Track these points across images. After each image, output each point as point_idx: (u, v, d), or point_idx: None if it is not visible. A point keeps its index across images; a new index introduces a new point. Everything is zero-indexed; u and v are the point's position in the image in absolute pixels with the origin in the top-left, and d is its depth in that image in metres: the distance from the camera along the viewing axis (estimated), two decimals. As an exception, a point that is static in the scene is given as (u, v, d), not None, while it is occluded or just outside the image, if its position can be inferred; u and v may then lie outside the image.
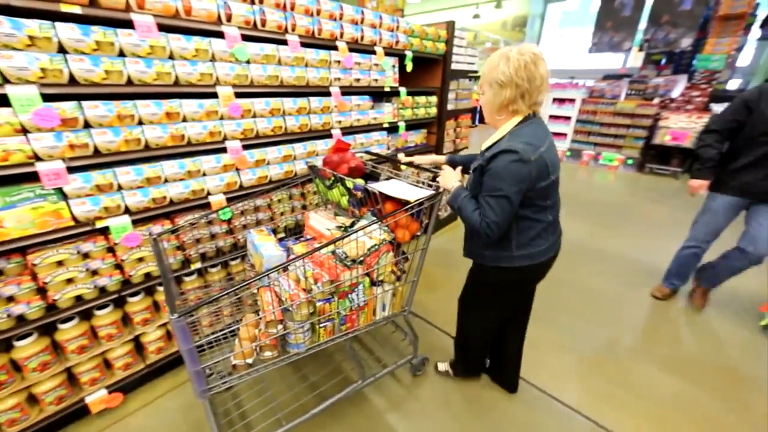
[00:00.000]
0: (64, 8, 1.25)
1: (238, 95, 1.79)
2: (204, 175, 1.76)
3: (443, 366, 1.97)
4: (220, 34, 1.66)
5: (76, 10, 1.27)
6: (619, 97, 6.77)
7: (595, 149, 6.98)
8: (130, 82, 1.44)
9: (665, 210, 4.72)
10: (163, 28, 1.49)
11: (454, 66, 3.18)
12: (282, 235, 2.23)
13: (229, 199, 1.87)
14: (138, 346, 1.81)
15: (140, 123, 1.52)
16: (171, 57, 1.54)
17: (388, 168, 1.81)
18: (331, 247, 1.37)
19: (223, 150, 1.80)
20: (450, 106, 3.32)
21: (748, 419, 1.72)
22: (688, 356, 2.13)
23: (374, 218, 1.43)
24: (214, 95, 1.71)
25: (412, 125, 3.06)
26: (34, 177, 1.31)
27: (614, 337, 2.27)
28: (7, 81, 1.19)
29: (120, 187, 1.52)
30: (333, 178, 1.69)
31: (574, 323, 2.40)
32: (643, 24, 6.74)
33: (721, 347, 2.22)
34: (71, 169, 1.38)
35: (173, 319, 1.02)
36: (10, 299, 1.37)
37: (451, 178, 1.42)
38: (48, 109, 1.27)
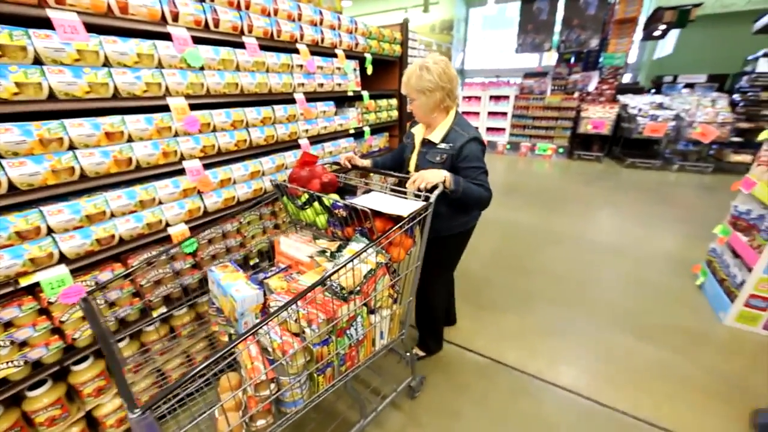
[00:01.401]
0: (-53, 1, 0.93)
1: (194, 107, 1.54)
2: (160, 203, 1.48)
3: (413, 352, 1.95)
4: (166, 36, 1.40)
5: (-35, 4, 0.95)
6: (546, 92, 7.46)
7: (530, 141, 7.60)
8: (52, 96, 1.14)
9: (596, 190, 5.28)
10: (93, 28, 1.20)
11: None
12: (256, 260, 1.99)
13: (192, 228, 1.60)
14: (91, 424, 1.45)
15: (71, 147, 1.21)
16: (106, 64, 1.25)
17: (359, 178, 1.66)
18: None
19: (181, 172, 1.53)
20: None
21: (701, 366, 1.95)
22: (657, 323, 2.36)
23: (366, 240, 1.29)
24: (166, 108, 1.44)
25: (376, 129, 2.97)
26: None
27: (593, 316, 2.44)
28: None
29: (50, 230, 1.19)
30: (307, 197, 1.47)
31: (552, 308, 2.52)
32: (558, 26, 7.51)
33: (672, 306, 2.51)
34: (-23, 215, 1.03)
35: (134, 418, 0.73)
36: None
37: (438, 172, 1.39)
38: (-66, 138, 0.93)
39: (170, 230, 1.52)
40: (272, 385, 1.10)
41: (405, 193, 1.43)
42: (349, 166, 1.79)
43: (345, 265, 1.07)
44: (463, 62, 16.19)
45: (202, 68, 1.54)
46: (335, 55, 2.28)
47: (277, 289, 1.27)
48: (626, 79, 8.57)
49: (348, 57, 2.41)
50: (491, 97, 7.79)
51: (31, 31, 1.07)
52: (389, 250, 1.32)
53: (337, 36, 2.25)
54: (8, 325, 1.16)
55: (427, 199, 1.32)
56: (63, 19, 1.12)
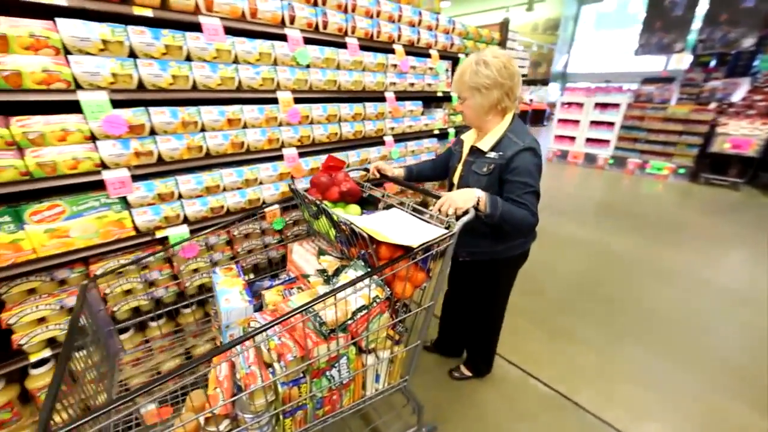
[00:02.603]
0: (137, 11, 1.20)
1: (297, 101, 1.71)
2: (261, 183, 1.69)
3: (461, 371, 1.90)
4: (282, 37, 1.59)
5: (148, 13, 1.22)
6: (670, 101, 6.34)
7: (641, 157, 6.55)
8: (195, 87, 1.39)
9: (726, 224, 4.31)
10: (228, 31, 1.42)
11: (505, 69, 3.01)
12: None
13: (283, 210, 1.79)
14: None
15: (203, 130, 1.46)
16: (235, 61, 1.47)
17: (387, 192, 1.46)
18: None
19: (280, 158, 1.72)
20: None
21: None
22: (790, 399, 1.85)
23: (364, 267, 1.11)
24: (275, 101, 1.63)
25: (461, 132, 2.90)
26: (99, 186, 1.27)
27: (698, 372, 2.02)
28: (79, 87, 1.15)
29: (180, 196, 1.46)
30: (314, 207, 1.32)
31: (643, 351, 2.15)
32: (697, 24, 6.29)
33: None
34: (135, 178, 1.32)
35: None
36: (151, 283, 1.34)
37: (470, 195, 1.17)
38: (116, 116, 1.22)
39: (269, 208, 1.73)
40: (226, 422, 0.96)
41: (438, 219, 1.18)
42: (378, 176, 1.64)
43: (325, 298, 0.88)
44: (566, 65, 14.75)
45: (308, 66, 1.71)
46: (429, 56, 2.30)
47: (269, 305, 1.19)
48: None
49: (442, 57, 2.40)
50: (596, 105, 6.93)
51: (187, 34, 1.33)
52: (392, 284, 1.10)
53: (434, 36, 2.26)
54: (144, 267, 1.46)
55: (450, 226, 1.09)
56: (209, 24, 1.35)
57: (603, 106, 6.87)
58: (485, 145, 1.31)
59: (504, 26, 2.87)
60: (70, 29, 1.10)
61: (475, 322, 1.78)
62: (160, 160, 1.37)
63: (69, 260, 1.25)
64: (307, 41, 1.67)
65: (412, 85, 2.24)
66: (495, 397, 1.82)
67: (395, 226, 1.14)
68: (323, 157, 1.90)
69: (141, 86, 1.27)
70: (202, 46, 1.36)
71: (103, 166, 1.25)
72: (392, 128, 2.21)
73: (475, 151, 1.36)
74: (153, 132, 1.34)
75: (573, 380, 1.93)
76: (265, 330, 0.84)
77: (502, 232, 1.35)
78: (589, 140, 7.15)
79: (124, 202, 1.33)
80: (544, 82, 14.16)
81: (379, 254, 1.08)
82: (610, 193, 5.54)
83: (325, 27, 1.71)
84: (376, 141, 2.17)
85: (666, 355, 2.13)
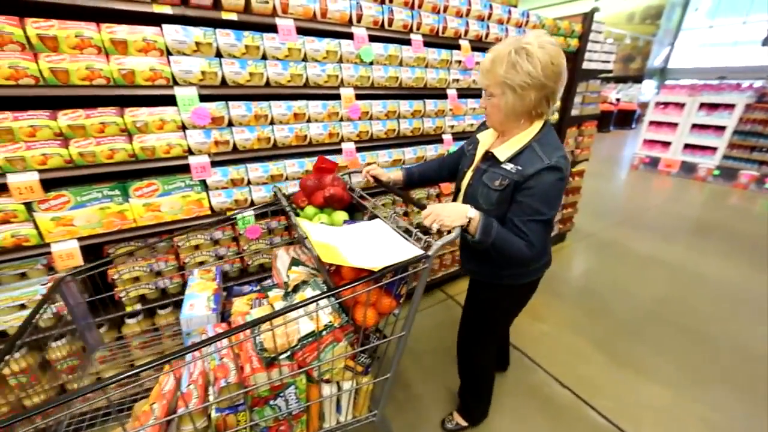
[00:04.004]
0: (225, 16, 1.35)
1: (358, 97, 1.77)
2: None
3: (453, 422, 1.62)
4: (349, 35, 1.65)
5: (233, 17, 1.37)
6: (807, 102, 5.14)
7: (759, 169, 5.44)
8: (268, 83, 1.52)
9: None
10: (300, 31, 1.52)
11: (585, 65, 2.73)
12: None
13: (337, 200, 1.87)
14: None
15: (272, 123, 1.59)
16: (304, 59, 1.57)
17: (374, 202, 1.32)
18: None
19: (338, 151, 1.80)
20: (574, 111, 2.88)
21: None
22: None
23: (322, 287, 0.99)
24: (337, 96, 1.71)
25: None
26: (183, 169, 1.46)
27: (811, 436, 1.63)
28: (176, 83, 1.34)
29: (249, 182, 1.61)
30: (287, 212, 1.22)
31: (737, 400, 1.80)
32: None
33: None
34: (213, 164, 1.50)
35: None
36: (158, 274, 1.56)
37: (461, 211, 1.02)
38: (203, 109, 1.40)
39: (322, 198, 1.82)
40: None
41: (416, 237, 1.01)
42: (371, 181, 1.52)
43: (259, 322, 0.77)
44: (667, 59, 12.85)
45: (371, 63, 1.75)
46: (497, 51, 2.19)
47: (233, 314, 1.10)
48: None
49: (511, 52, 2.27)
50: (702, 105, 5.92)
51: (264, 34, 1.45)
52: (353, 310, 0.98)
53: (503, 31, 2.15)
54: (216, 242, 1.65)
55: (428, 246, 0.93)
56: (284, 25, 1.46)
57: (711, 107, 5.85)
58: (503, 153, 1.08)
59: (588, 17, 2.59)
60: (172, 34, 1.28)
61: (464, 353, 1.53)
62: (235, 149, 1.53)
63: (159, 231, 1.47)
64: (372, 39, 1.71)
65: (475, 81, 2.16)
66: (541, 421, 1.69)
67: (367, 241, 0.99)
68: (379, 153, 1.94)
69: (224, 83, 1.42)
70: (277, 45, 1.48)
71: (190, 152, 1.44)
72: (452, 126, 2.16)
73: (490, 157, 1.13)
74: (230, 124, 1.50)
75: (637, 416, 1.71)
76: (190, 352, 0.72)
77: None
78: (687, 146, 6.15)
79: (203, 185, 1.52)
80: (637, 79, 12.51)
81: (341, 273, 0.97)
82: (711, 210, 4.71)
83: (390, 24, 1.73)
84: (435, 139, 2.14)
85: (766, 411, 1.76)
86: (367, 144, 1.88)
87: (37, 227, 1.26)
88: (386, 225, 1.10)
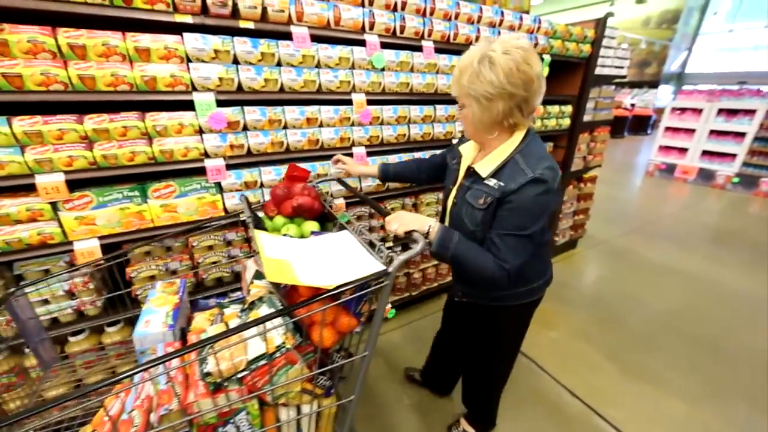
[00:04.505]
0: (242, 24, 1.40)
1: (370, 102, 1.80)
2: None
3: (459, 428, 1.62)
4: (361, 42, 1.68)
5: (250, 25, 1.41)
6: (833, 108, 4.97)
7: (781, 177, 5.28)
8: (282, 89, 1.56)
9: None
10: (313, 38, 1.56)
11: (598, 70, 2.71)
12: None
13: (347, 205, 1.90)
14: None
15: (285, 127, 1.63)
16: (318, 65, 1.61)
17: (344, 212, 1.28)
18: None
19: (349, 155, 1.82)
20: (587, 117, 2.85)
21: None
22: None
23: (277, 304, 0.93)
24: (349, 102, 1.74)
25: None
26: (200, 172, 1.51)
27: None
28: (194, 89, 1.39)
29: (262, 185, 1.65)
30: (248, 223, 1.15)
31: (758, 417, 1.74)
32: None
33: None
34: (228, 167, 1.54)
35: None
36: (173, 272, 1.61)
37: (423, 220, 0.99)
38: (220, 114, 1.44)
39: (334, 201, 1.85)
40: None
41: (378, 251, 0.93)
42: (343, 167, 1.49)
43: (204, 345, 0.70)
44: (684, 64, 12.60)
45: (383, 69, 1.78)
46: (508, 57, 2.19)
47: (191, 331, 1.04)
48: None
49: (523, 58, 2.27)
50: (721, 111, 5.78)
51: (279, 42, 1.50)
52: (310, 330, 0.92)
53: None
54: (229, 243, 1.69)
55: (390, 260, 0.85)
56: (299, 32, 1.51)
57: (731, 112, 5.71)
58: (485, 168, 1.02)
59: (601, 23, 2.57)
60: (192, 42, 1.33)
61: (475, 372, 1.51)
62: (249, 153, 1.58)
63: (175, 231, 1.52)
64: (384, 45, 1.74)
65: (487, 87, 2.17)
66: (550, 431, 1.67)
67: (328, 255, 0.93)
68: (390, 157, 1.96)
69: (240, 88, 1.47)
70: (291, 52, 1.52)
71: (206, 155, 1.48)
72: (461, 131, 2.17)
73: (472, 173, 1.06)
74: (245, 128, 1.54)
75: (650, 429, 1.67)
76: (127, 376, 0.64)
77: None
78: (705, 153, 6.01)
79: (218, 187, 1.56)
80: (653, 84, 12.30)
81: (299, 290, 0.91)
82: (730, 218, 4.58)
83: (402, 31, 1.76)
84: (445, 144, 2.15)
85: (789, 425, 1.70)
86: (378, 148, 1.90)
87: (61, 226, 1.32)
88: (353, 237, 1.02)
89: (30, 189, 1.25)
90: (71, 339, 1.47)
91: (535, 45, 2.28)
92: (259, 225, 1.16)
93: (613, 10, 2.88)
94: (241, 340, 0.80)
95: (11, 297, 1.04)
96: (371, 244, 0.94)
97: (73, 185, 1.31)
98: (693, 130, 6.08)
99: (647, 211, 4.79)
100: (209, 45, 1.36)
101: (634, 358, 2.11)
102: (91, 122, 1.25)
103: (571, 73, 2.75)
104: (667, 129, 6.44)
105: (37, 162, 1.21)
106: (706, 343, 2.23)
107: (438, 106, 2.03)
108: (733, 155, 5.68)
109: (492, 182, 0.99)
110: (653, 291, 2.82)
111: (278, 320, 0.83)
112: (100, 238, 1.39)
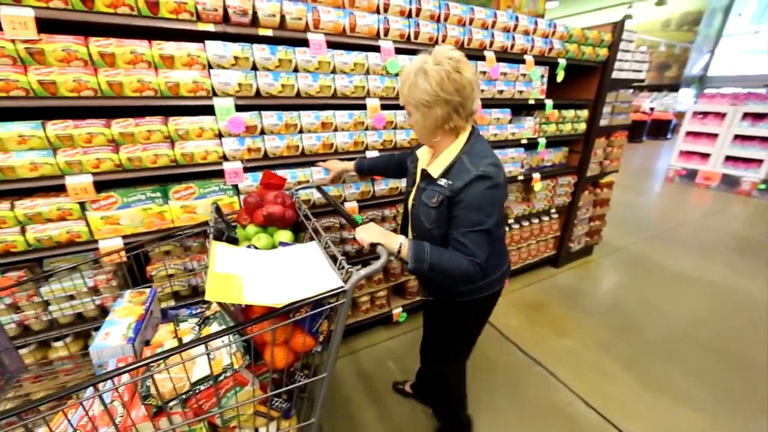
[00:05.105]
0: (261, 32, 1.44)
1: (384, 107, 1.82)
2: (343, 182, 1.85)
3: None
4: (376, 48, 1.71)
5: (269, 33, 1.46)
6: None
7: (811, 184, 5.04)
8: (298, 94, 1.59)
9: None
10: (330, 45, 1.60)
11: (615, 75, 2.67)
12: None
13: (360, 208, 1.92)
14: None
15: (300, 131, 1.66)
16: (333, 71, 1.64)
17: (315, 222, 1.15)
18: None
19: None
20: (603, 122, 2.81)
21: None
22: None
23: (228, 322, 0.87)
24: (363, 107, 1.77)
25: (553, 142, 2.68)
26: (218, 174, 1.55)
27: None
28: (215, 94, 1.44)
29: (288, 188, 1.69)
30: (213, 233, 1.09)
31: (786, 434, 1.67)
32: None
33: None
34: (245, 169, 1.59)
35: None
36: (191, 271, 1.66)
37: (393, 238, 1.02)
38: (238, 118, 1.49)
39: (346, 204, 1.88)
40: None
41: (339, 266, 0.87)
42: (331, 168, 1.62)
43: (148, 363, 0.65)
44: (706, 66, 12.24)
45: (396, 74, 1.80)
46: (523, 61, 2.19)
47: (151, 345, 1.00)
48: None
49: (538, 63, 2.26)
50: (746, 115, 5.59)
51: (296, 48, 1.54)
52: (262, 350, 0.86)
53: (530, 41, 2.15)
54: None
55: (349, 276, 0.80)
56: (315, 39, 1.54)
57: (757, 117, 5.51)
58: (435, 170, 1.09)
59: (618, 26, 2.54)
60: (214, 49, 1.38)
61: (437, 378, 1.52)
62: (265, 156, 1.62)
63: (194, 232, 1.57)
64: (398, 51, 1.77)
65: (501, 92, 2.16)
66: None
67: (287, 269, 0.87)
68: (402, 161, 1.97)
69: (258, 94, 1.51)
70: (308, 59, 1.56)
71: (224, 158, 1.53)
72: (475, 136, 2.17)
73: (426, 175, 1.13)
74: (262, 132, 1.58)
75: (668, 443, 1.61)
76: (66, 394, 0.59)
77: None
78: (729, 158, 5.80)
79: (235, 189, 1.60)
80: (673, 88, 11.98)
81: (251, 307, 0.85)
82: (756, 226, 4.40)
83: (416, 37, 1.78)
84: (457, 148, 2.15)
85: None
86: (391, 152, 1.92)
87: (88, 225, 1.38)
88: (319, 250, 0.97)
89: (60, 189, 1.32)
90: (21, 351, 1.38)
91: (550, 49, 2.26)
92: (230, 234, 1.12)
93: (631, 13, 2.83)
94: (186, 360, 0.74)
95: None
96: (334, 259, 0.89)
97: (100, 186, 1.37)
98: (716, 135, 5.89)
99: (667, 218, 4.66)
100: (230, 52, 1.41)
101: (652, 368, 2.05)
102: (118, 126, 1.31)
103: (587, 78, 2.72)
104: (689, 133, 6.25)
105: (68, 164, 1.27)
106: (728, 356, 2.15)
107: (451, 111, 2.03)
108: (760, 161, 5.47)
109: (443, 182, 1.07)
110: (672, 300, 2.73)
111: (225, 339, 0.76)
112: (124, 237, 1.44)
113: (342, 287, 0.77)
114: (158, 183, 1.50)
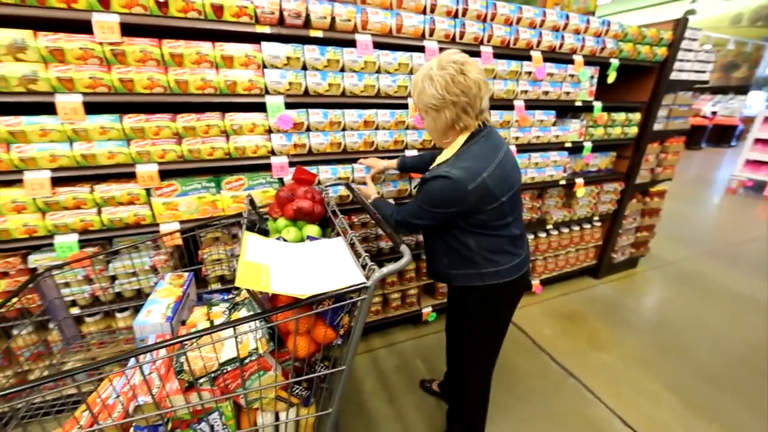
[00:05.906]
0: (312, 33, 1.51)
1: (425, 107, 1.83)
2: (383, 181, 1.88)
3: None
4: (420, 49, 1.73)
5: (319, 34, 1.52)
6: None
7: None
8: (343, 93, 1.65)
9: None
10: (376, 45, 1.64)
11: (674, 75, 2.49)
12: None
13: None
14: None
15: (343, 129, 1.72)
16: (378, 71, 1.68)
17: (341, 219, 1.20)
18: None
19: (401, 158, 1.88)
20: (658, 126, 2.63)
21: None
22: None
23: (255, 309, 0.93)
24: (405, 106, 1.79)
25: (600, 146, 2.55)
26: (266, 168, 1.65)
27: None
28: (267, 92, 1.53)
29: (319, 182, 1.76)
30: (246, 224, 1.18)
31: None
32: None
33: None
34: (291, 164, 1.67)
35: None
36: (237, 257, 1.77)
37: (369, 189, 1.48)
38: (287, 115, 1.57)
39: (382, 202, 1.91)
40: None
41: (362, 264, 0.90)
42: (372, 166, 1.71)
43: (183, 340, 0.70)
44: (783, 67, 10.97)
45: (439, 74, 1.81)
46: (572, 62, 2.10)
47: (186, 326, 1.04)
48: None
49: (588, 63, 2.16)
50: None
51: (344, 49, 1.59)
52: (286, 338, 0.91)
53: (580, 41, 2.06)
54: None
55: (371, 273, 0.81)
56: (362, 40, 1.59)
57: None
58: (435, 163, 1.22)
59: (681, 24, 2.36)
60: (268, 50, 1.47)
61: (451, 363, 1.52)
62: (309, 152, 1.69)
63: (229, 222, 1.67)
64: (442, 51, 1.77)
65: (546, 93, 2.10)
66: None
67: (313, 263, 0.90)
68: (441, 161, 1.97)
69: (306, 92, 1.59)
70: (354, 59, 1.61)
71: (272, 153, 1.62)
72: (516, 138, 2.12)
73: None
74: (308, 129, 1.66)
75: (716, 473, 1.50)
76: (107, 363, 0.66)
77: (459, 245, 1.19)
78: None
79: (281, 182, 1.70)
80: (741, 90, 10.87)
81: (279, 296, 0.90)
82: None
83: (461, 37, 1.78)
84: (497, 149, 2.12)
85: None
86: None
87: (152, 209, 1.52)
88: (344, 246, 0.99)
89: (130, 177, 1.47)
90: (87, 320, 1.60)
91: (602, 49, 2.16)
92: (261, 226, 1.23)
93: (694, 8, 2.62)
94: (216, 341, 0.80)
95: (40, 278, 1.09)
96: (358, 255, 0.92)
97: (163, 175, 1.50)
98: (791, 144, 5.29)
99: (726, 233, 4.26)
100: (283, 53, 1.49)
101: (700, 392, 1.90)
102: (182, 121, 1.44)
103: (641, 78, 2.56)
104: (758, 141, 5.66)
105: (139, 153, 1.41)
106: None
107: (493, 112, 2.00)
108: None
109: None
110: (728, 322, 2.51)
111: (252, 325, 0.83)
112: (181, 222, 1.58)
113: (364, 283, 0.80)
114: (212, 174, 1.62)
